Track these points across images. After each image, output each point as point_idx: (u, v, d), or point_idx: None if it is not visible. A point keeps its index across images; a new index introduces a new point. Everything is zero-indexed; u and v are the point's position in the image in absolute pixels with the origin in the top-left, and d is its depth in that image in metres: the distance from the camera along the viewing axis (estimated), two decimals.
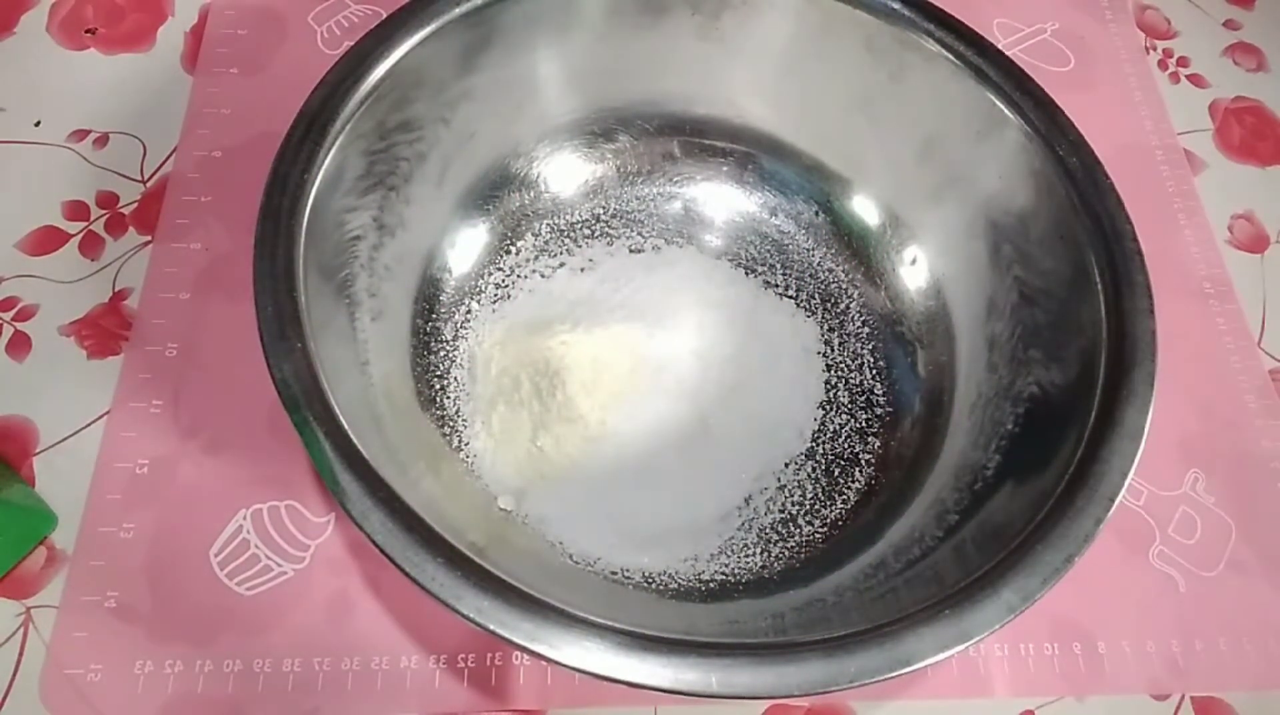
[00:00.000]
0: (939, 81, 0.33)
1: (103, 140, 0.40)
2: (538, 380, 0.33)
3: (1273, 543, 0.36)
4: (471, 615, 0.22)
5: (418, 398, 0.33)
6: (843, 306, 0.38)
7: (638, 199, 0.39)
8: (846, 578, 0.29)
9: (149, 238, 0.38)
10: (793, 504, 0.33)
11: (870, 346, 0.37)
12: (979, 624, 0.23)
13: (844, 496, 0.34)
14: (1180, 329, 0.40)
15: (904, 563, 0.28)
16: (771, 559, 0.32)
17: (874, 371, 0.36)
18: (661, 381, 0.35)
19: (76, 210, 0.38)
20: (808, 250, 0.39)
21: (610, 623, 0.23)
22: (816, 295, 0.38)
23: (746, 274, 0.38)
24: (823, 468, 0.34)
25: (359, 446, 0.24)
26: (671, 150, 0.39)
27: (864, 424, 0.35)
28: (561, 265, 0.37)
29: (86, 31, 0.43)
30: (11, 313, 0.36)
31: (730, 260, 0.38)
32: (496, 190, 0.37)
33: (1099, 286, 0.29)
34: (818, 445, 0.35)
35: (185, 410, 0.34)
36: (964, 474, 0.31)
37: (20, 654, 0.30)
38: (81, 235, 0.38)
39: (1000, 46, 0.35)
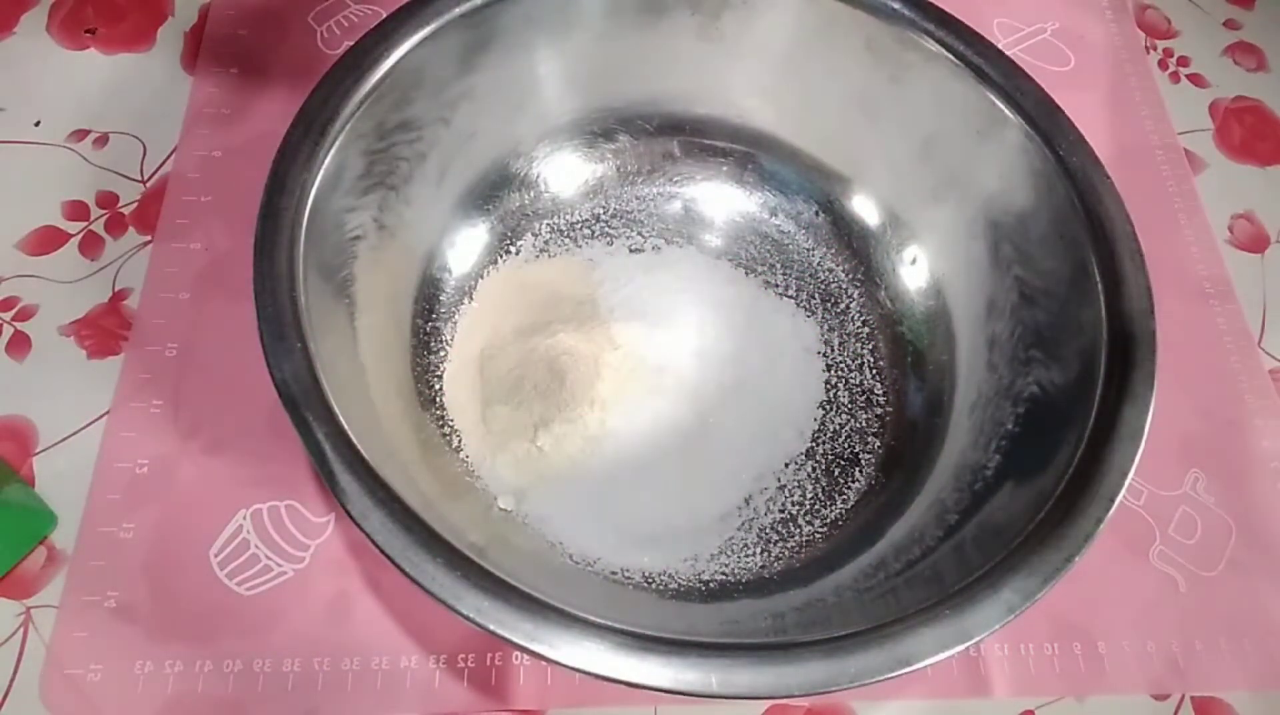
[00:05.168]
0: (939, 81, 0.33)
1: (103, 140, 0.40)
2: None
3: (1273, 543, 0.36)
4: (471, 615, 0.22)
5: (418, 398, 0.33)
6: (843, 306, 0.38)
7: (638, 199, 0.39)
8: (846, 578, 0.29)
9: (149, 238, 0.38)
10: (793, 504, 0.33)
11: (870, 346, 0.37)
12: (979, 624, 0.23)
13: (844, 496, 0.34)
14: (1180, 329, 0.40)
15: (904, 563, 0.28)
16: (771, 559, 0.32)
17: (874, 371, 0.36)
18: (661, 381, 0.35)
19: (76, 210, 0.38)
20: (808, 250, 0.39)
21: (610, 623, 0.23)
22: (816, 295, 0.38)
23: (746, 274, 0.38)
24: (823, 468, 0.34)
25: (359, 446, 0.24)
26: (671, 150, 0.39)
27: (864, 424, 0.35)
28: None
29: (86, 31, 0.43)
30: (11, 313, 0.36)
31: (730, 260, 0.38)
32: (496, 190, 0.37)
33: (1099, 286, 0.29)
34: (818, 445, 0.35)
35: (185, 410, 0.34)
36: (964, 474, 0.31)
37: (20, 654, 0.30)
38: (81, 235, 0.38)
39: (1000, 46, 0.35)
